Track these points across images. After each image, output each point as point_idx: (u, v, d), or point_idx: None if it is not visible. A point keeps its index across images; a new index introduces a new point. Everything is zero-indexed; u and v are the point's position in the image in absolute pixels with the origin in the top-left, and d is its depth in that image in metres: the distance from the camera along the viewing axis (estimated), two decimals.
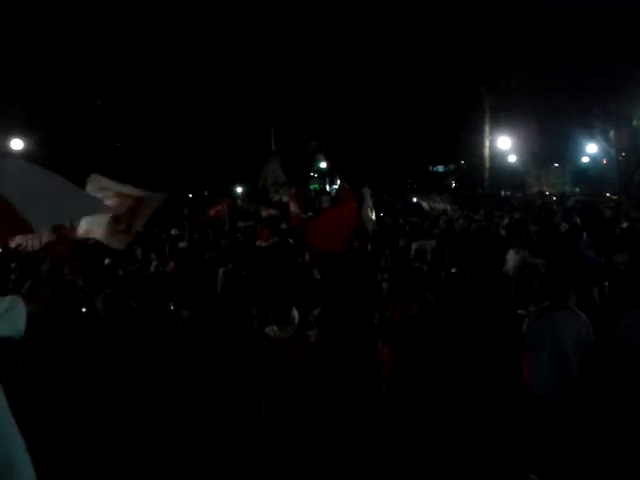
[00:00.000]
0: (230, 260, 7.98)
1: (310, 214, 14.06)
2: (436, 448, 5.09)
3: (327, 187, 38.74)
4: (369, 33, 28.95)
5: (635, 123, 27.46)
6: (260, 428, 4.92)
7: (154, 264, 8.71)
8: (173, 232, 11.92)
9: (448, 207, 16.71)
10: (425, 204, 18.06)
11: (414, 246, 9.90)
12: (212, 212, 14.26)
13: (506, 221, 13.37)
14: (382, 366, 5.57)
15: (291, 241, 9.69)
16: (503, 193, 29.15)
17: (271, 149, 15.13)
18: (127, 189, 8.25)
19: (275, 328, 4.90)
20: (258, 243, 10.00)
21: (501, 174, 32.78)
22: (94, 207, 4.08)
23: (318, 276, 7.80)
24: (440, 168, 44.00)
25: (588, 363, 4.85)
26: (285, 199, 13.90)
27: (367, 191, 11.37)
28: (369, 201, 11.03)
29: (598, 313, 7.52)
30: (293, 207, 12.66)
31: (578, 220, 12.99)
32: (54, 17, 24.24)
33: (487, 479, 4.84)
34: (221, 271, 7.77)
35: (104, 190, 8.13)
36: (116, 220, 7.63)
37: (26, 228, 2.93)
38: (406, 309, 5.69)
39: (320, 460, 4.89)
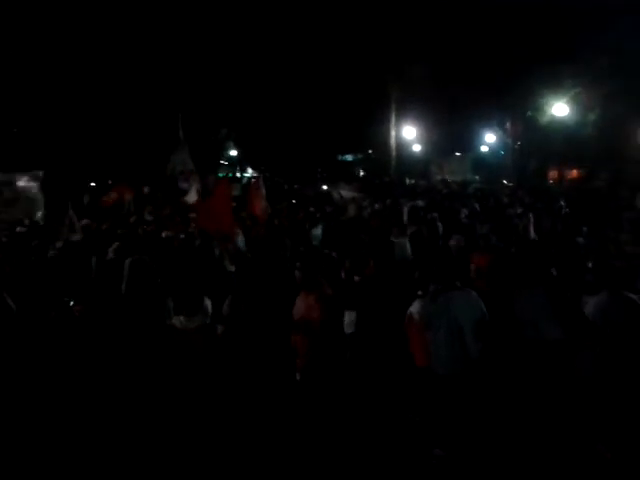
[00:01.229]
0: (136, 251, 7.75)
1: None
2: (348, 431, 5.24)
3: (238, 175, 38.31)
4: (278, 21, 28.78)
5: (529, 114, 29.14)
6: (169, 417, 4.85)
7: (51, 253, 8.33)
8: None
9: (356, 195, 17.07)
10: (335, 193, 18.38)
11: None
12: (110, 200, 13.87)
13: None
14: (296, 354, 5.63)
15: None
16: (408, 181, 30.11)
17: (179, 136, 14.71)
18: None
19: (182, 318, 4.83)
20: (165, 234, 9.80)
21: (407, 163, 33.85)
22: None
23: (232, 268, 7.74)
24: (349, 157, 44.70)
25: (483, 338, 5.15)
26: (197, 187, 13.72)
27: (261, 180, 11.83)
28: (263, 190, 11.42)
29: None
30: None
31: (477, 206, 13.66)
32: None
33: (394, 456, 5.05)
34: (127, 262, 7.52)
35: None
36: None
37: None
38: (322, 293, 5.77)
39: (231, 450, 4.89)
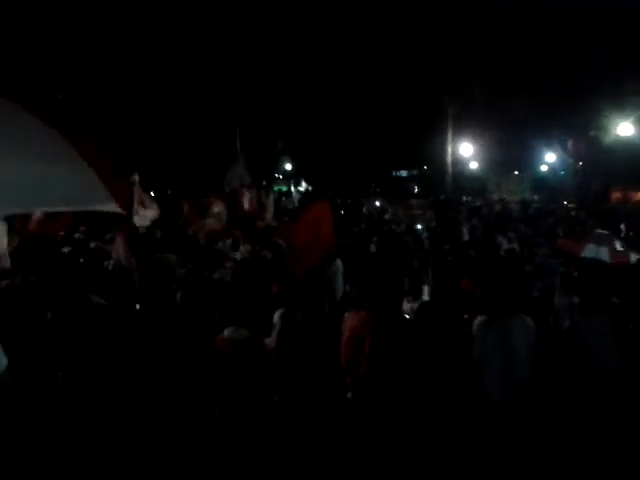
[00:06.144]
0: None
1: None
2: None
3: (292, 189, 38.70)
4: (338, 37, 29.08)
5: (592, 133, 28.29)
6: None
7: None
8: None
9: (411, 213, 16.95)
10: (390, 210, 18.32)
11: None
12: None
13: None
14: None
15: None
16: (465, 199, 29.65)
17: (236, 149, 14.92)
18: None
19: None
20: None
21: (463, 180, 33.38)
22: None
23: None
24: (403, 173, 44.45)
25: (535, 366, 4.94)
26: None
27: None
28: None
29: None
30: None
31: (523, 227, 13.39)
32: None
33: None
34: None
35: None
36: None
37: None
38: None
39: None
